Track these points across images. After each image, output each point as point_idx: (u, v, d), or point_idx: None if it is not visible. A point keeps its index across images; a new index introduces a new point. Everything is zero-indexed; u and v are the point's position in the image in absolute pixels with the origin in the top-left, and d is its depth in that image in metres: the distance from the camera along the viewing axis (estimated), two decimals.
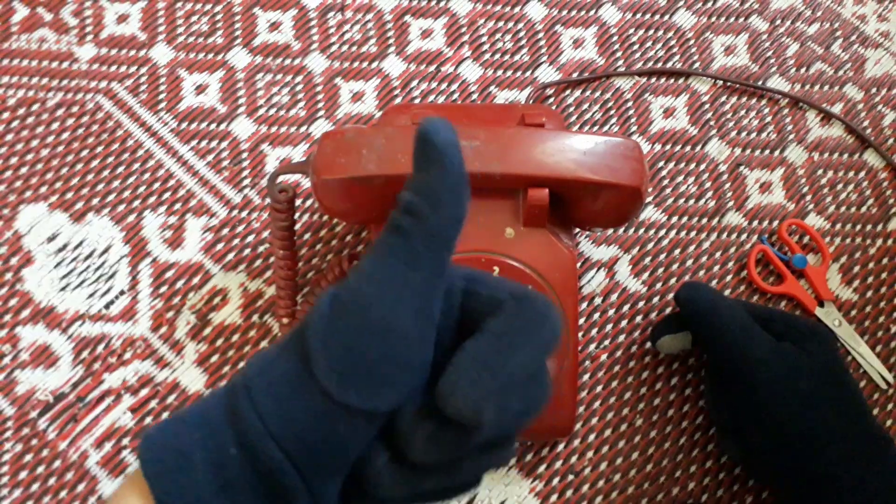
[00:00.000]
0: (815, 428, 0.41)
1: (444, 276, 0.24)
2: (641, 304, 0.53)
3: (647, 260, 0.54)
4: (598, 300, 0.53)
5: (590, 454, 0.49)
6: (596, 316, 0.52)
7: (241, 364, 0.50)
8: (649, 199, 0.55)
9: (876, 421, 0.43)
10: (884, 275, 0.54)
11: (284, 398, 0.23)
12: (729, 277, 0.53)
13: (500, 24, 0.60)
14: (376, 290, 0.23)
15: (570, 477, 0.49)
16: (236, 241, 0.53)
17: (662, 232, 0.55)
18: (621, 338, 0.52)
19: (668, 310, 0.53)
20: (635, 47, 0.60)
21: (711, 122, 0.58)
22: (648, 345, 0.51)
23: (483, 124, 0.49)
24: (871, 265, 0.55)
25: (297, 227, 0.53)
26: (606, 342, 0.52)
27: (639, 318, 0.52)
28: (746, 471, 0.49)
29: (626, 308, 0.53)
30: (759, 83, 0.59)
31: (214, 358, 0.50)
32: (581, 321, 0.52)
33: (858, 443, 0.41)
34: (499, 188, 0.44)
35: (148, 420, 0.49)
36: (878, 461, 0.41)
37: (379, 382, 0.23)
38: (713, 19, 0.61)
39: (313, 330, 0.23)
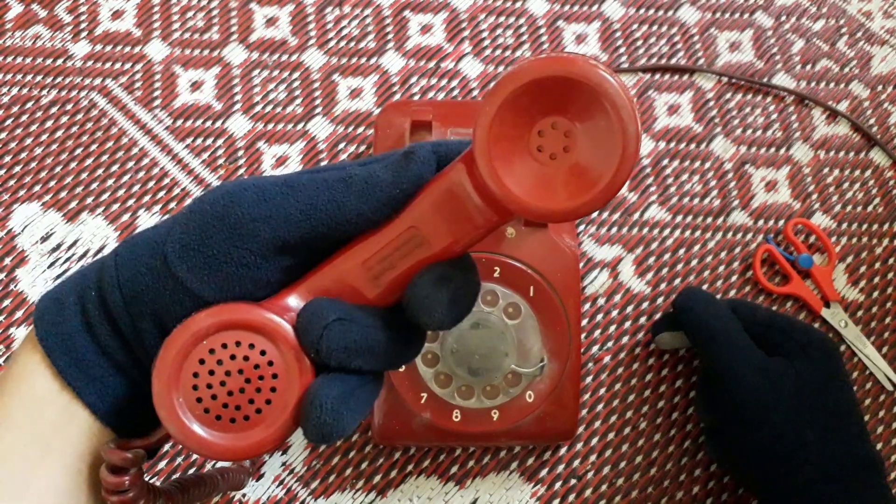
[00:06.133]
0: (794, 447, 0.40)
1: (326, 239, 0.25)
2: (645, 304, 0.52)
3: (651, 260, 0.53)
4: (601, 301, 0.52)
5: (592, 458, 0.48)
6: (599, 317, 0.51)
7: None
8: (653, 197, 0.55)
9: (868, 441, 0.42)
10: (890, 275, 0.53)
11: (140, 255, 0.26)
12: (734, 277, 0.53)
13: (502, 19, 0.60)
14: (254, 202, 0.24)
15: (573, 481, 0.48)
16: None
17: (667, 231, 0.54)
18: (625, 339, 0.51)
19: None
20: (639, 43, 0.59)
21: (716, 120, 0.57)
22: (652, 346, 0.51)
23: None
24: (877, 265, 0.54)
25: None
26: (609, 344, 0.51)
27: (643, 320, 0.51)
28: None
29: (629, 309, 0.52)
30: (765, 80, 0.58)
31: None
32: (584, 322, 0.51)
33: (839, 464, 0.40)
34: None
35: None
36: (859, 484, 0.40)
37: (211, 272, 0.25)
38: (718, 15, 0.60)
39: (191, 209, 0.25)
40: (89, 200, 0.53)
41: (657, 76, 0.58)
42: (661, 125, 0.57)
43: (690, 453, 0.49)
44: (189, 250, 0.25)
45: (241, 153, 0.55)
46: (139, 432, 0.27)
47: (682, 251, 0.53)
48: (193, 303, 0.25)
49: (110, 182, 0.54)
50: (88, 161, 0.54)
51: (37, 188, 0.53)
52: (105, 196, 0.53)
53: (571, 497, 0.48)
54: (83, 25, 0.58)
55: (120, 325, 0.26)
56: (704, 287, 0.52)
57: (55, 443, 0.26)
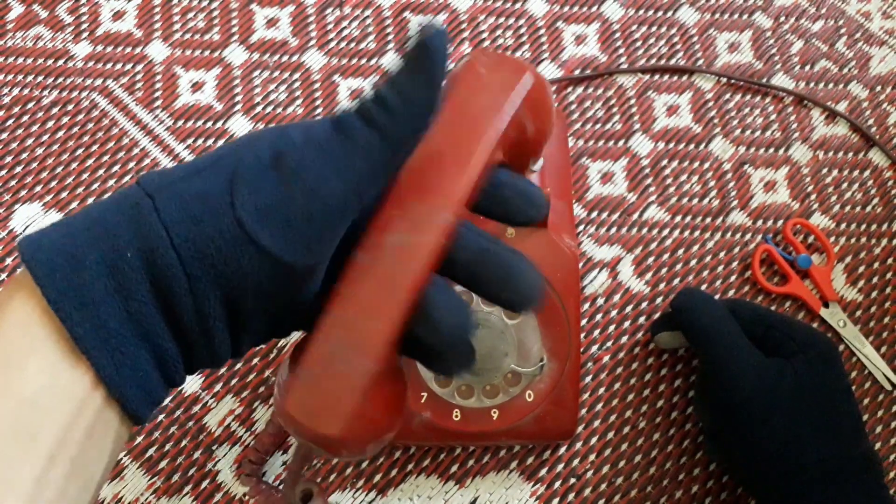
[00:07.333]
0: (792, 448, 0.41)
1: (387, 175, 0.25)
2: (644, 304, 0.52)
3: (651, 260, 0.53)
4: (600, 301, 0.52)
5: (592, 457, 0.49)
6: (598, 317, 0.52)
7: (241, 365, 0.50)
8: (652, 197, 0.55)
9: (866, 441, 0.42)
10: (889, 275, 0.54)
11: (196, 214, 0.23)
12: (733, 278, 0.53)
13: (501, 19, 0.60)
14: (321, 161, 0.24)
15: (572, 480, 0.48)
16: None
17: (666, 231, 0.54)
18: (624, 339, 0.51)
19: None
20: (638, 44, 0.59)
21: (715, 120, 0.57)
22: (652, 346, 0.51)
23: None
24: (876, 265, 0.54)
25: None
26: (609, 343, 0.51)
27: (642, 319, 0.52)
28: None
29: (628, 309, 0.52)
30: (764, 81, 0.58)
31: None
32: (583, 322, 0.51)
33: (838, 464, 0.40)
34: None
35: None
36: (858, 485, 0.40)
37: (294, 235, 0.23)
38: (717, 16, 0.61)
39: (247, 167, 0.24)
40: (90, 201, 0.53)
41: (656, 77, 0.58)
42: (660, 126, 0.57)
43: (690, 453, 0.49)
44: (267, 215, 0.23)
45: None
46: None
47: (681, 251, 0.53)
48: (275, 269, 0.23)
49: (111, 182, 0.54)
50: (90, 161, 0.54)
51: (38, 188, 0.53)
52: (106, 197, 0.53)
53: (571, 496, 0.48)
54: (84, 26, 0.58)
55: (175, 293, 0.23)
56: (703, 287, 0.53)
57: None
